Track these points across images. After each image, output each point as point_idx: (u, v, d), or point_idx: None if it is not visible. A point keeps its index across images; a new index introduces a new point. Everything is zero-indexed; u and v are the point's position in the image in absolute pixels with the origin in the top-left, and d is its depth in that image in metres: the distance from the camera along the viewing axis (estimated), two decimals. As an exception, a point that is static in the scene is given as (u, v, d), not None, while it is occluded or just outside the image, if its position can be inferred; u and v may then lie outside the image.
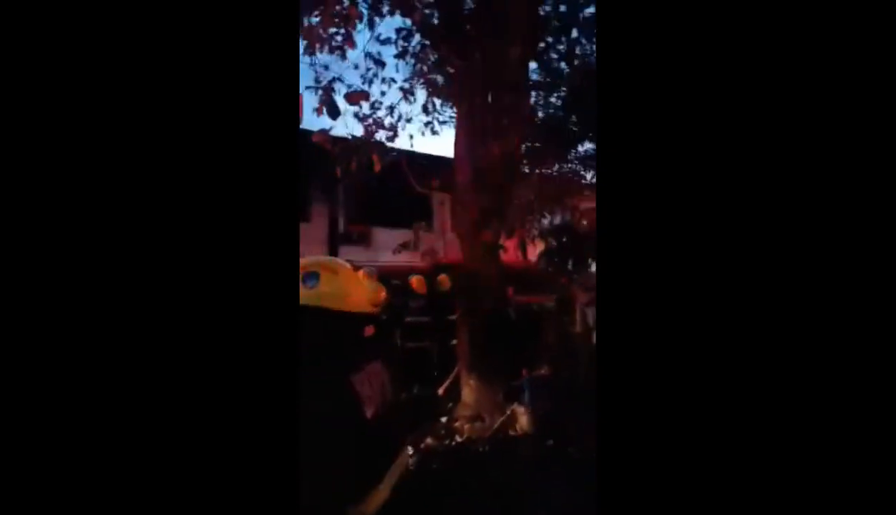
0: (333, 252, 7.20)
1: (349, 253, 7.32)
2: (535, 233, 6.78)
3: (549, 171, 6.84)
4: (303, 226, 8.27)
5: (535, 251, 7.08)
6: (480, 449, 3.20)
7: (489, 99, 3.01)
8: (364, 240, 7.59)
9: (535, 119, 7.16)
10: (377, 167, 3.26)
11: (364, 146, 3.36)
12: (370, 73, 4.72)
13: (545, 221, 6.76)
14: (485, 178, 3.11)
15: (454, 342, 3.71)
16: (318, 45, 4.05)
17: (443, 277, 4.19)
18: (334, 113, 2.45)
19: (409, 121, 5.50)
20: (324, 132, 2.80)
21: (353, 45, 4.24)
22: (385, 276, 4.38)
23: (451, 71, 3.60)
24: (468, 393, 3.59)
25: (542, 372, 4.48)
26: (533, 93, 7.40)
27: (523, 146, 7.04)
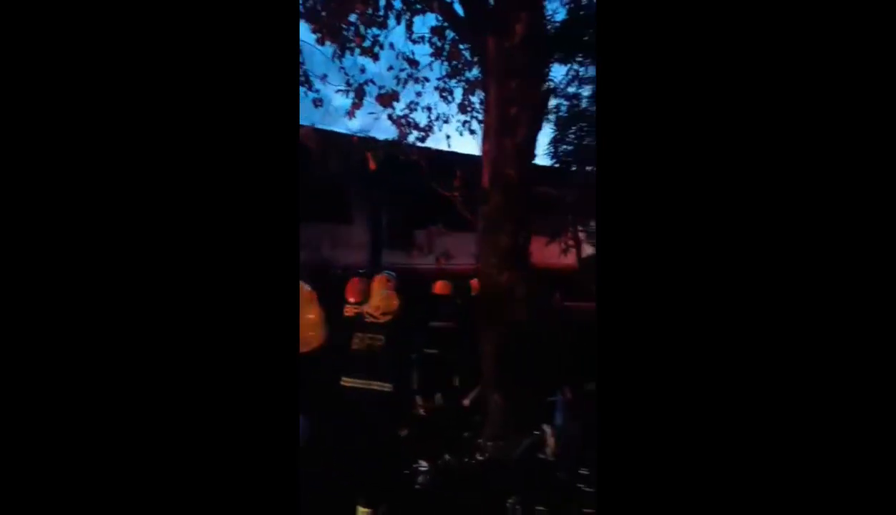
0: (377, 256, 7.25)
1: (391, 256, 7.33)
2: (583, 235, 6.31)
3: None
4: (344, 229, 8.43)
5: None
6: (501, 472, 2.92)
7: (502, 87, 2.75)
8: (407, 244, 7.55)
9: (583, 113, 6.71)
10: (372, 165, 3.14)
11: (355, 143, 3.27)
12: (404, 74, 4.67)
13: (594, 223, 6.26)
14: (501, 174, 2.85)
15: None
16: (347, 48, 4.07)
17: (440, 283, 3.91)
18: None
19: (446, 121, 5.39)
20: (307, 128, 2.74)
21: (381, 46, 4.20)
22: (415, 281, 4.27)
23: (477, 60, 3.39)
24: (494, 408, 3.33)
25: (589, 388, 4.08)
26: (586, 89, 6.98)
27: (546, 141, 6.68)
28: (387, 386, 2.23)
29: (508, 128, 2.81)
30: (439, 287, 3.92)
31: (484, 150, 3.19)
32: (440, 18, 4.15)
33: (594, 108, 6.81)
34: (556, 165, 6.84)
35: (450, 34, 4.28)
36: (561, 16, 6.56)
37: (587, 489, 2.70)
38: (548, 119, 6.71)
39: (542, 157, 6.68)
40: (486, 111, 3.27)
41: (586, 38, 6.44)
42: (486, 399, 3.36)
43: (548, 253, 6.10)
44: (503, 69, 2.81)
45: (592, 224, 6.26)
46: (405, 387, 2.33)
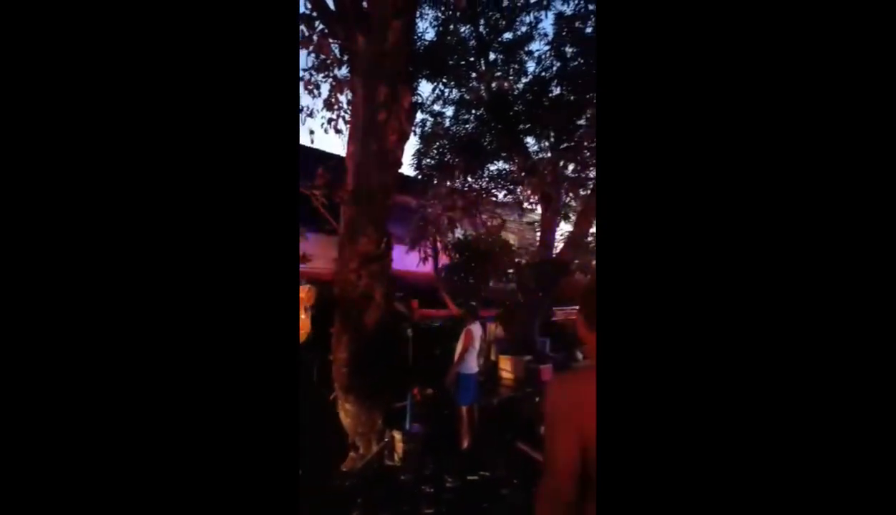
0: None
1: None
2: (440, 245, 6.68)
3: (461, 186, 6.84)
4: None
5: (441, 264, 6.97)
6: (348, 483, 2.83)
7: (372, 90, 2.75)
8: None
9: (447, 132, 7.16)
10: None
11: None
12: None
13: (452, 235, 6.68)
14: (364, 179, 2.84)
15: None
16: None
17: (302, 290, 3.72)
18: None
19: (310, 115, 5.09)
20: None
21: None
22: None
23: (346, 59, 3.31)
24: (343, 417, 3.22)
25: (430, 392, 4.26)
26: (449, 109, 7.48)
27: (427, 158, 7.07)
28: None
29: (376, 132, 2.80)
30: (302, 294, 3.63)
31: (349, 152, 3.11)
32: (309, 7, 3.92)
33: (455, 128, 7.32)
34: (419, 177, 7.10)
35: (319, 25, 4.08)
36: (430, 35, 6.92)
37: (428, 489, 2.82)
38: (413, 132, 6.94)
39: (406, 168, 6.87)
40: (353, 112, 3.19)
41: (451, 62, 6.93)
42: (337, 409, 3.22)
43: (406, 261, 6.25)
44: (374, 73, 2.79)
45: (451, 235, 6.65)
46: None
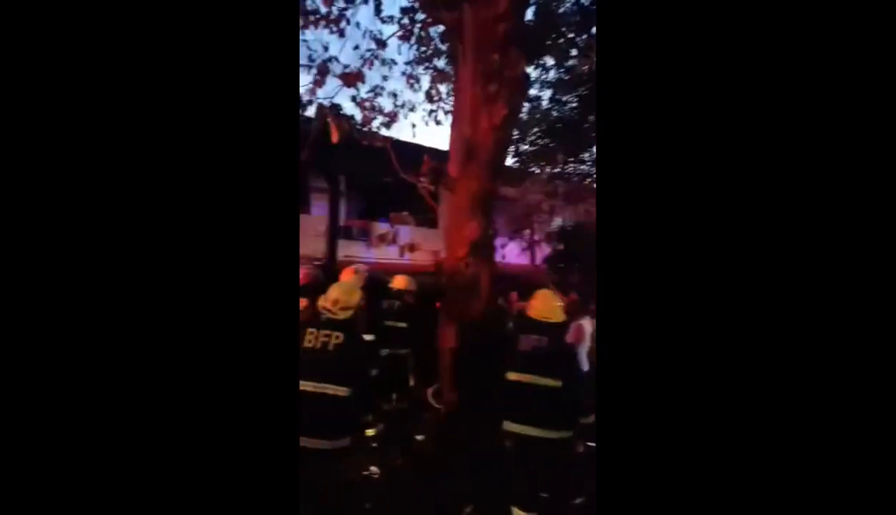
0: (332, 247, 6.84)
1: (349, 248, 6.93)
2: (543, 234, 6.38)
3: (561, 172, 6.46)
4: (301, 218, 7.90)
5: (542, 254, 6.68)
6: (456, 472, 2.81)
7: (481, 61, 2.59)
8: (365, 235, 7.21)
9: (546, 116, 6.79)
10: (335, 136, 2.88)
11: (319, 107, 3.02)
12: (370, 54, 4.43)
13: (554, 223, 6.34)
14: (473, 160, 2.71)
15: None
16: (313, 22, 3.77)
17: (400, 278, 3.71)
18: None
19: (412, 109, 5.19)
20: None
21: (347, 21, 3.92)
22: (383, 276, 4.03)
23: (446, 49, 3.24)
24: (448, 407, 3.20)
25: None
26: (548, 92, 7.08)
27: (527, 144, 6.76)
28: (342, 391, 1.96)
29: (486, 106, 2.65)
30: (399, 281, 3.71)
31: (453, 137, 3.05)
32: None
33: (555, 113, 6.92)
34: (517, 164, 6.87)
35: (420, 17, 4.10)
36: (529, 15, 6.60)
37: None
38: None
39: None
40: (457, 91, 3.11)
41: (549, 43, 6.54)
42: (442, 397, 3.23)
43: (506, 251, 6.10)
44: (482, 41, 2.63)
45: (551, 224, 6.34)
46: (363, 391, 2.09)
